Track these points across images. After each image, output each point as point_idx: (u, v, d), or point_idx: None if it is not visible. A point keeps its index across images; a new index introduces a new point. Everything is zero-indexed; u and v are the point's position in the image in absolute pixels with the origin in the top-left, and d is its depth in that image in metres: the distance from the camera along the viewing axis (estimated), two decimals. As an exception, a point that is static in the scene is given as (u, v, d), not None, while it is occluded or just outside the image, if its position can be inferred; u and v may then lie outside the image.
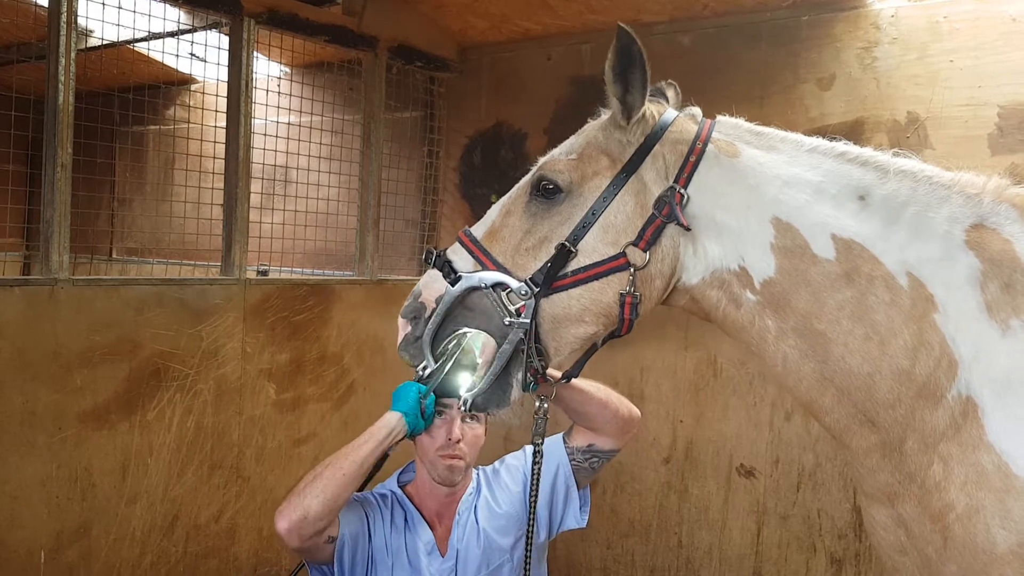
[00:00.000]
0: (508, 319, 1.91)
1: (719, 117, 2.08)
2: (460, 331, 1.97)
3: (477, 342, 1.97)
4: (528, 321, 1.90)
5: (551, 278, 1.91)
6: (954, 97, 3.50)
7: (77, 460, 3.39)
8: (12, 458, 3.19)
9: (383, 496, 2.75)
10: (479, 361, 1.98)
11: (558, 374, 2.23)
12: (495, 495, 2.80)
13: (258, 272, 4.60)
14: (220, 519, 3.91)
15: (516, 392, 1.99)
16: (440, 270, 1.97)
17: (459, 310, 1.96)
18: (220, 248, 4.04)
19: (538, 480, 2.25)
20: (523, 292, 1.91)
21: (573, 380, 2.34)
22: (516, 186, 2.07)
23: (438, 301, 1.96)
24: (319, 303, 4.26)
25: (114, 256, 6.67)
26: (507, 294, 1.92)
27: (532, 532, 2.32)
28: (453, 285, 1.94)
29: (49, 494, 3.31)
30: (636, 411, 2.74)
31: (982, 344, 1.79)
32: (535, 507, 2.29)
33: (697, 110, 2.10)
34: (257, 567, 4.07)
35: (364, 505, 2.65)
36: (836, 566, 3.84)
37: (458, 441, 2.64)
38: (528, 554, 2.32)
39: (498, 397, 1.99)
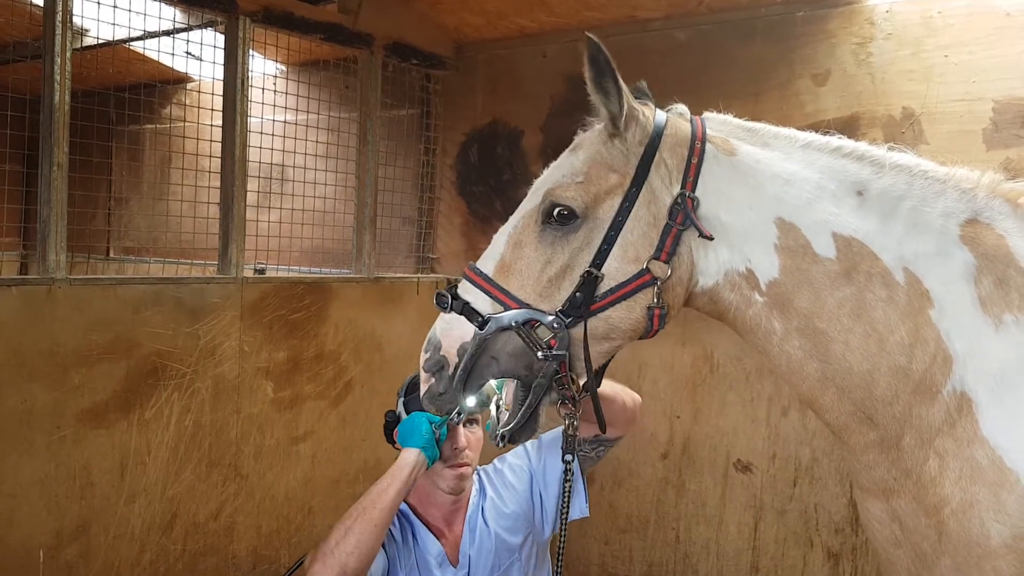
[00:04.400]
0: (542, 353, 1.87)
1: (706, 114, 2.05)
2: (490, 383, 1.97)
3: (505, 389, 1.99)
4: (564, 352, 1.87)
5: (587, 306, 1.87)
6: (949, 92, 3.51)
7: (76, 459, 3.39)
8: (11, 457, 3.19)
9: None
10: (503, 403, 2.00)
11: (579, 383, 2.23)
12: (501, 495, 2.79)
13: (255, 270, 4.60)
14: (219, 517, 3.91)
15: (544, 419, 1.98)
16: (461, 314, 1.90)
17: (486, 351, 1.90)
18: (217, 247, 4.04)
19: (569, 497, 2.24)
20: (555, 325, 1.87)
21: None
22: (518, 215, 2.00)
23: (460, 352, 1.90)
24: (316, 301, 4.26)
25: (111, 255, 6.67)
26: (537, 329, 1.88)
27: (562, 545, 2.30)
28: (481, 328, 1.87)
29: (48, 493, 3.31)
30: (638, 398, 2.76)
31: (976, 340, 1.80)
32: (565, 522, 2.26)
33: (683, 107, 2.06)
34: (256, 564, 4.07)
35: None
36: (833, 560, 3.86)
37: (464, 448, 2.64)
38: (559, 565, 2.31)
39: (530, 428, 1.98)
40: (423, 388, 1.98)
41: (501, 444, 1.98)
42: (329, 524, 4.20)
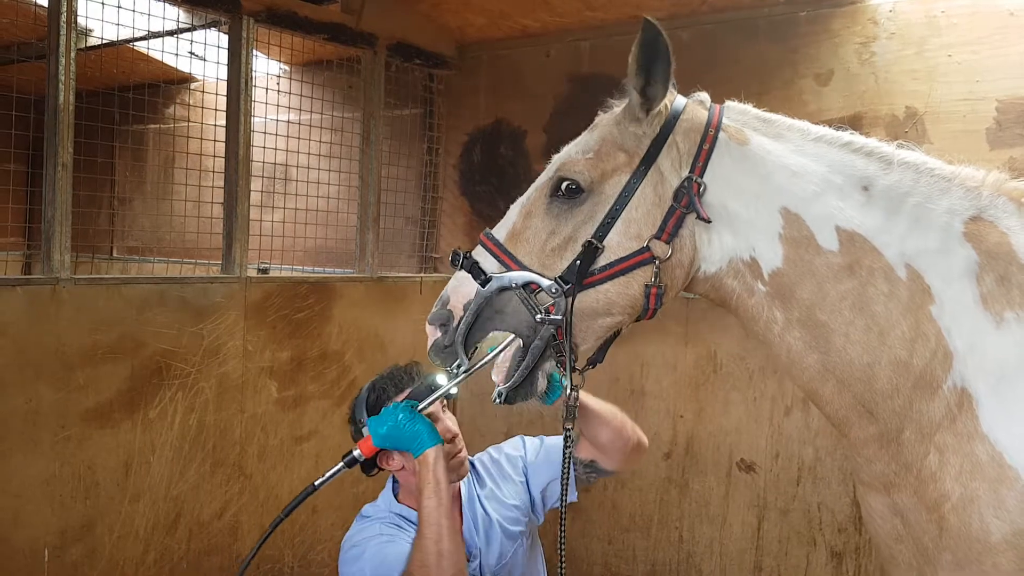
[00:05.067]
0: (539, 316, 1.94)
1: (727, 102, 2.08)
2: (490, 335, 2.02)
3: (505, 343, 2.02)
4: (561, 318, 1.93)
5: (583, 275, 1.93)
6: (952, 92, 3.51)
7: (80, 459, 3.40)
8: (16, 457, 3.21)
9: (395, 523, 2.66)
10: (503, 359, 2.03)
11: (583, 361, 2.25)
12: (501, 487, 2.80)
13: (259, 270, 4.61)
14: (223, 516, 3.92)
15: (542, 384, 2.04)
16: (469, 272, 2.00)
17: (489, 309, 1.99)
18: (221, 246, 4.05)
19: (569, 464, 2.23)
20: (553, 290, 1.94)
21: (591, 404, 2.50)
22: (533, 186, 2.08)
23: (466, 307, 1.99)
24: (320, 301, 4.27)
25: (115, 255, 6.68)
26: (537, 293, 1.95)
27: (564, 520, 2.30)
28: (484, 286, 1.96)
29: (53, 492, 3.33)
30: (645, 440, 2.78)
31: (977, 336, 1.81)
32: (566, 490, 2.25)
33: (705, 95, 2.10)
34: (260, 564, 4.08)
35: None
36: (836, 559, 3.86)
37: (457, 434, 2.65)
38: (561, 545, 2.30)
39: (527, 390, 2.03)
40: (429, 341, 2.06)
41: (497, 402, 2.03)
42: (333, 523, 4.24)
